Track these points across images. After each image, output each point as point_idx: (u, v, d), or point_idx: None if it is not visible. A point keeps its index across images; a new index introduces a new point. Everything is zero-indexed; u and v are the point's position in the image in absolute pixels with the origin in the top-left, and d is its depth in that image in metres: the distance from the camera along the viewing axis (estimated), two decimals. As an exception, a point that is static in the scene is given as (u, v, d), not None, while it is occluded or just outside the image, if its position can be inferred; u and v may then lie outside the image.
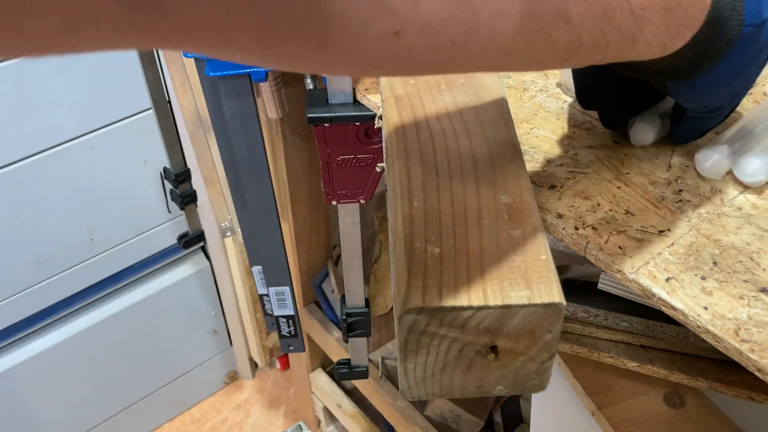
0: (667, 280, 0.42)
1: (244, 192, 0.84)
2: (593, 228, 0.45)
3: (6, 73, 0.95)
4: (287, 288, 0.95)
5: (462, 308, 0.35)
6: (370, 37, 0.29)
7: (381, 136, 0.61)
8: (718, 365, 0.54)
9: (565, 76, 0.57)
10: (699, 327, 0.40)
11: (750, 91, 0.57)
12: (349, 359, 0.97)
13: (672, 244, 0.44)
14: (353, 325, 0.89)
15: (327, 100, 0.64)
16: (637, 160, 0.51)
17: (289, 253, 1.01)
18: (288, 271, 0.93)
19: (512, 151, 0.44)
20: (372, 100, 0.61)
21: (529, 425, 0.76)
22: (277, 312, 0.99)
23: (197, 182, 1.13)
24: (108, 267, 1.21)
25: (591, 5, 0.35)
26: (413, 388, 0.39)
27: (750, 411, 0.56)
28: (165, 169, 1.16)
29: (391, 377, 1.09)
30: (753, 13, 0.40)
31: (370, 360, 1.06)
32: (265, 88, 0.86)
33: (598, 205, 0.47)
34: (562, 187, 0.49)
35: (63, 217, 1.11)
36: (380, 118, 0.52)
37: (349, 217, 0.77)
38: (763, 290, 0.41)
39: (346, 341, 0.93)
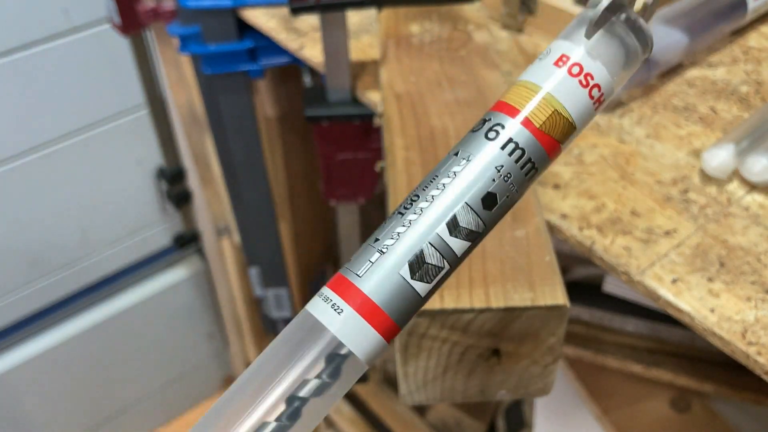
0: (674, 281, 0.41)
1: (241, 192, 0.83)
2: (598, 228, 0.45)
3: (-1, 72, 0.94)
4: (285, 290, 0.94)
5: (464, 311, 0.34)
6: None
7: (381, 135, 0.60)
8: (725, 369, 0.53)
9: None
10: (705, 329, 0.39)
11: (758, 90, 0.56)
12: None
13: (678, 245, 0.43)
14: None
15: (326, 98, 0.63)
16: (642, 160, 0.50)
17: (287, 253, 1.00)
18: (286, 272, 0.92)
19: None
20: (372, 98, 0.60)
21: (532, 430, 0.76)
22: (274, 314, 0.98)
23: (193, 182, 1.12)
24: (102, 268, 1.20)
25: None
26: (413, 393, 0.38)
27: (754, 416, 0.55)
28: (160, 169, 1.15)
29: (391, 381, 1.08)
30: None
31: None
32: (263, 86, 0.85)
33: (603, 205, 0.46)
34: (566, 186, 0.48)
35: (56, 217, 1.10)
36: (380, 116, 0.52)
37: (348, 217, 0.76)
38: (773, 292, 0.40)
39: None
